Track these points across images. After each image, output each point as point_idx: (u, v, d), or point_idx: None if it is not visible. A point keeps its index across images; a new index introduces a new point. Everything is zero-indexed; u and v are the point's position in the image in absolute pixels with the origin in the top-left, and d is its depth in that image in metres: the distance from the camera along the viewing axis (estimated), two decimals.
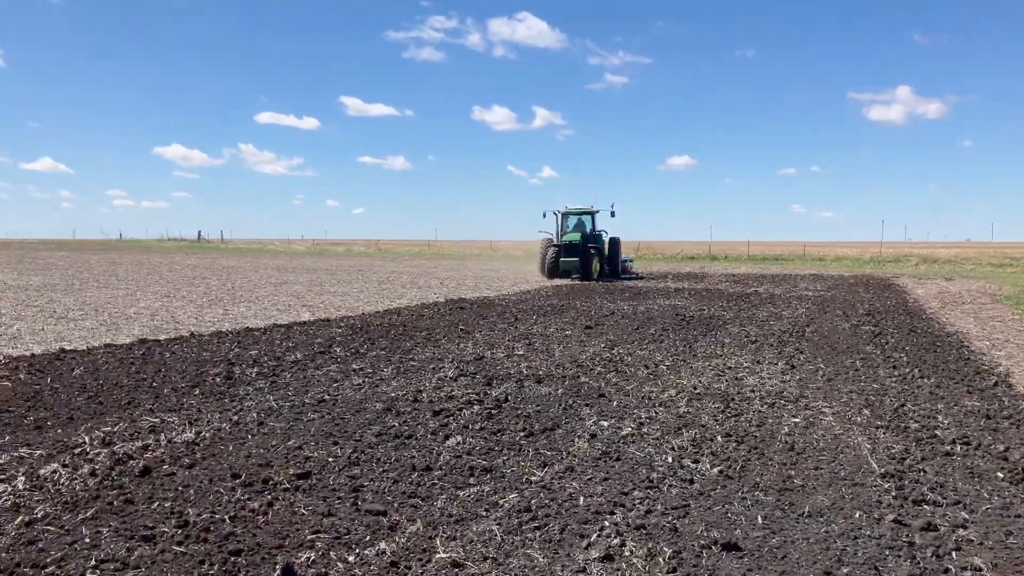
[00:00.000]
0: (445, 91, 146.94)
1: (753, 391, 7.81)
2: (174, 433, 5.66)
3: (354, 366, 8.80)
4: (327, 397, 7.09)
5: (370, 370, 8.57)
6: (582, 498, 4.55)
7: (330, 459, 5.16)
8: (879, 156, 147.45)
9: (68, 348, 9.78)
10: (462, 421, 6.29)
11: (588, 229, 30.45)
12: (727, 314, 15.59)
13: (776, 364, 9.44)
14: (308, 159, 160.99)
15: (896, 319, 14.86)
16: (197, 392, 7.29)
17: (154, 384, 7.60)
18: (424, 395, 7.22)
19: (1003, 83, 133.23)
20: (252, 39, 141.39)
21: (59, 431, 5.74)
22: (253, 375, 8.16)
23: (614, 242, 31.48)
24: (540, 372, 8.63)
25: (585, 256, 28.45)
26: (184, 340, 10.74)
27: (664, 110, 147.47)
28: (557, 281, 27.13)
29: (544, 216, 32.03)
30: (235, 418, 6.19)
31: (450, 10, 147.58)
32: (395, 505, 4.39)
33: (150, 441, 5.41)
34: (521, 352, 10.09)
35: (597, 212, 30.95)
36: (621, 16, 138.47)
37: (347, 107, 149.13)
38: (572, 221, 31.09)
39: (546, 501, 4.51)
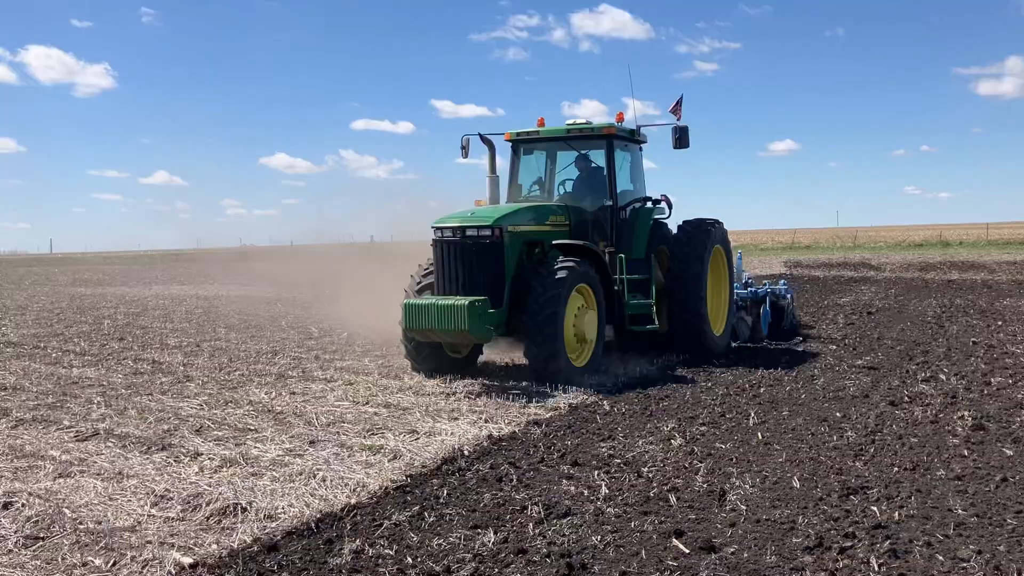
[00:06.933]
0: (534, 88, 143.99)
1: None
2: None
3: None
4: None
5: None
6: None
7: None
8: (992, 132, 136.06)
9: None
10: None
11: (602, 194, 10.13)
12: None
13: None
14: (408, 162, 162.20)
15: None
16: None
17: None
18: None
19: None
20: (340, 48, 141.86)
21: None
22: None
23: (706, 230, 10.47)
24: None
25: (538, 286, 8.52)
26: None
27: (760, 95, 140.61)
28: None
29: (464, 153, 10.89)
30: None
31: (529, 8, 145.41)
32: None
33: None
34: None
35: (642, 143, 11.04)
36: (703, 2, 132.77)
37: (439, 110, 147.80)
38: (560, 164, 11.03)
39: None
